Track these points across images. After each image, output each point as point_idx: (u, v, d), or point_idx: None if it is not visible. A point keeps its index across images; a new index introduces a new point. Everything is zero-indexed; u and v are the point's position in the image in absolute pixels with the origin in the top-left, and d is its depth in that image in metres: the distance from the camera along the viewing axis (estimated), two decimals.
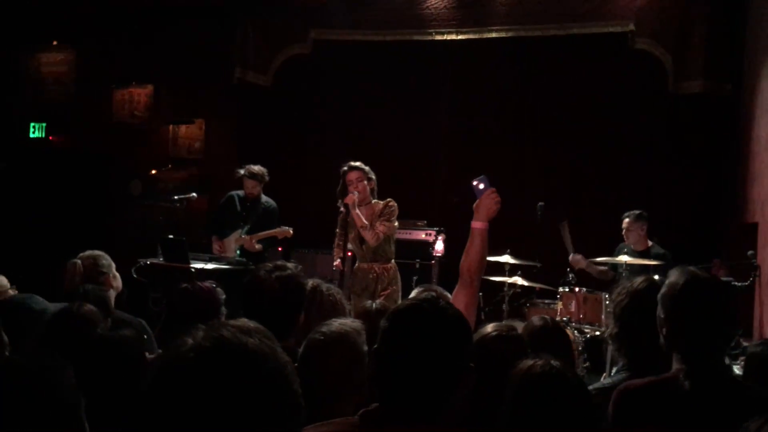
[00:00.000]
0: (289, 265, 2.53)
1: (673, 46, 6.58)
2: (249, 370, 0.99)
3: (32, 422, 1.18)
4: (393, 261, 5.35)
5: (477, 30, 7.13)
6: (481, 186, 2.72)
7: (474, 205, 2.73)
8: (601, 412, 1.95)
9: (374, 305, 2.57)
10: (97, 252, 3.74)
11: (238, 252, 6.16)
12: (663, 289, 2.06)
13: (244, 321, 1.06)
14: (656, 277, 2.74)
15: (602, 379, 4.05)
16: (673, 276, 2.05)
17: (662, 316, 2.05)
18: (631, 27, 6.62)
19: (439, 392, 1.52)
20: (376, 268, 5.23)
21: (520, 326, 2.51)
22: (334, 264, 5.42)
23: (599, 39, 6.81)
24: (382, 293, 5.11)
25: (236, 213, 6.33)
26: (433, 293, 2.22)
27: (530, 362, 1.79)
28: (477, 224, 2.68)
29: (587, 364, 5.30)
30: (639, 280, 2.45)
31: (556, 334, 2.65)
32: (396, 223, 5.30)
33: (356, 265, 5.33)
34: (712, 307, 2.00)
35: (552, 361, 1.78)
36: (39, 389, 1.21)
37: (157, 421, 0.98)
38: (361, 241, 5.22)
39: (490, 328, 2.13)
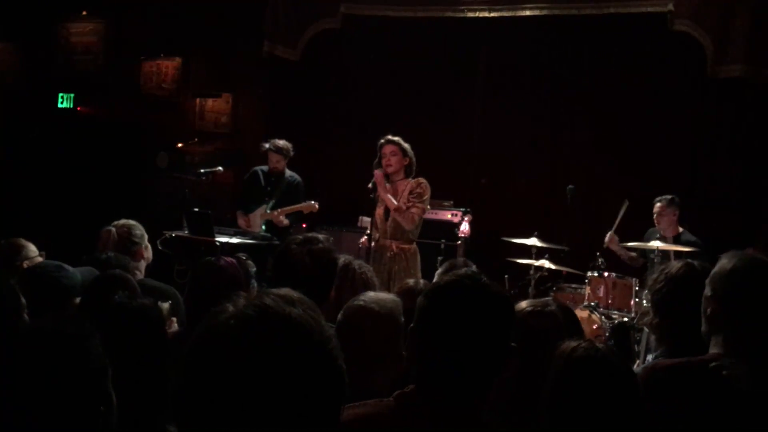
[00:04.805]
0: (321, 237, 2.47)
1: (713, 29, 6.39)
2: (292, 341, 0.94)
3: (57, 389, 1.14)
4: (414, 244, 5.22)
5: (510, 7, 6.98)
6: None
7: None
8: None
9: (419, 284, 2.50)
10: (131, 222, 3.73)
11: (263, 227, 6.14)
12: (715, 268, 1.98)
13: (287, 290, 1.00)
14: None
15: (635, 367, 3.96)
16: (727, 257, 1.97)
17: (709, 294, 1.97)
18: (671, 7, 6.44)
19: (482, 375, 1.45)
20: (394, 247, 5.09)
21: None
22: (360, 241, 5.35)
23: (637, 19, 6.62)
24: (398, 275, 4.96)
25: (261, 188, 6.30)
26: (472, 268, 2.15)
27: (573, 344, 1.71)
28: None
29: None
30: (677, 265, 2.35)
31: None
32: (428, 206, 5.19)
33: (376, 241, 5.22)
34: (765, 291, 1.92)
35: (597, 344, 1.70)
36: (64, 355, 1.17)
37: (194, 389, 0.93)
38: (386, 216, 5.12)
39: (524, 303, 2.05)
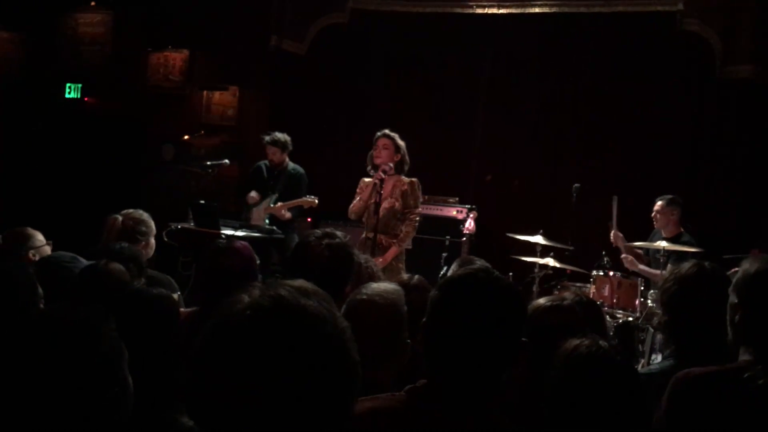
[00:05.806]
0: (338, 233, 2.46)
1: (722, 29, 6.38)
2: (307, 332, 0.94)
3: (74, 374, 1.14)
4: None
5: (519, 4, 6.97)
6: None
7: None
8: (649, 398, 1.87)
9: (413, 278, 2.49)
10: (142, 216, 3.59)
11: (267, 221, 6.15)
12: (738, 275, 1.94)
13: (302, 282, 0.99)
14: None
15: (639, 366, 3.96)
16: (749, 262, 1.93)
17: (735, 301, 1.92)
18: (680, 7, 6.42)
19: (494, 369, 1.45)
20: (383, 241, 5.07)
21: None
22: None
23: (646, 18, 6.62)
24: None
25: (264, 181, 6.33)
26: (486, 265, 2.14)
27: (576, 342, 1.69)
28: None
29: None
30: (687, 265, 2.34)
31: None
32: (420, 207, 5.22)
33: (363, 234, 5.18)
34: None
35: (600, 342, 1.68)
36: (80, 341, 1.17)
37: (208, 380, 0.93)
38: (376, 210, 5.11)
39: (542, 300, 2.04)
